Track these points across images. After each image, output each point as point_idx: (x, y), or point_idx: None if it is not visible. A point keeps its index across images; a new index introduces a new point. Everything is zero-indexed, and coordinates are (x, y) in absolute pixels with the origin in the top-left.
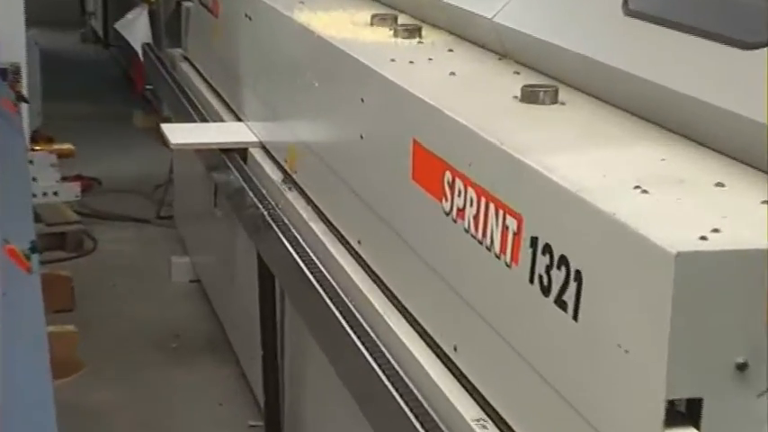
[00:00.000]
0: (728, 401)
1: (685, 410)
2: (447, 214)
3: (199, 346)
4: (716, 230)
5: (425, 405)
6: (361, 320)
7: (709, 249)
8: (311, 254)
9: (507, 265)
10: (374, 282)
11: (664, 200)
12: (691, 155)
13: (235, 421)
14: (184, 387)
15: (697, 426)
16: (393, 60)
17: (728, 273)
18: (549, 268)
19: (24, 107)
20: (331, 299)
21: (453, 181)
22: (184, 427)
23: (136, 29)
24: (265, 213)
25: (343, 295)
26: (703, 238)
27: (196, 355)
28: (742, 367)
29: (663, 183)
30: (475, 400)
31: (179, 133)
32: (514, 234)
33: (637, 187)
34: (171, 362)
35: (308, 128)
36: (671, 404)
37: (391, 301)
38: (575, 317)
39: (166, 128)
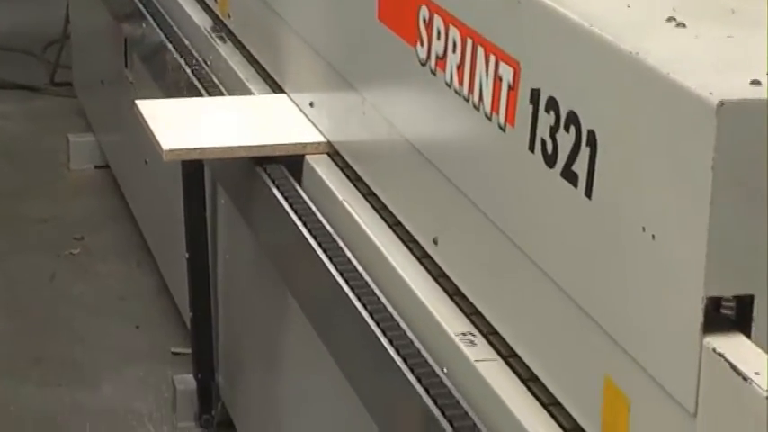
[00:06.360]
0: None
1: (734, 312)
2: (423, 63)
3: (107, 252)
4: None
5: (402, 325)
6: (315, 211)
7: (763, 98)
8: None
9: (501, 128)
10: (329, 155)
11: (706, 35)
12: None
13: (154, 348)
14: (89, 306)
15: (747, 332)
16: None
17: None
18: (554, 130)
19: None
20: (274, 181)
21: (431, 19)
22: (91, 357)
23: None
24: (189, 73)
25: (291, 179)
26: (756, 82)
27: (104, 263)
28: None
29: (705, 14)
30: (461, 309)
31: (172, 123)
32: (510, 86)
33: (671, 20)
34: (71, 273)
35: None
36: (712, 303)
37: (352, 182)
38: (587, 192)
39: (143, 106)
